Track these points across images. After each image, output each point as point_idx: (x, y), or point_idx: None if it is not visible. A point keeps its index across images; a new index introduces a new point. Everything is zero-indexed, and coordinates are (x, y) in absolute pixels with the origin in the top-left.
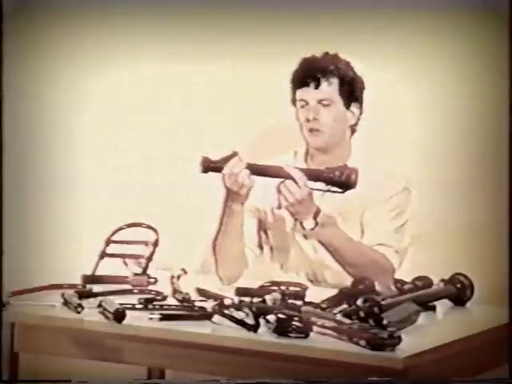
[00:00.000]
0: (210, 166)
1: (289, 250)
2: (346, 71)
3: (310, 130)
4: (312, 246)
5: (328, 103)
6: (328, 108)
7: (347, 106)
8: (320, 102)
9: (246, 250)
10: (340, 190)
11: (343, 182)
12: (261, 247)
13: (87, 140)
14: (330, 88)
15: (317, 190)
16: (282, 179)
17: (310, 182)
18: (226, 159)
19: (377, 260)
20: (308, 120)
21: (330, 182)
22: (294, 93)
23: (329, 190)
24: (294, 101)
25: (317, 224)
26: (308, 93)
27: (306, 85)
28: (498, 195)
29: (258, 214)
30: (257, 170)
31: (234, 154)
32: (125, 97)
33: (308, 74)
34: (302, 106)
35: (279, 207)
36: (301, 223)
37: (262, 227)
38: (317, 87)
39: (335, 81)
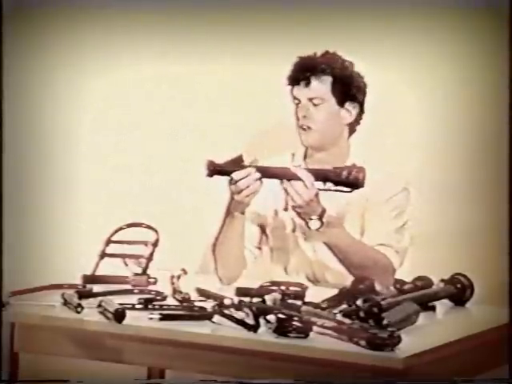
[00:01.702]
0: (215, 170)
1: (289, 251)
2: (341, 69)
3: (301, 128)
4: (312, 247)
5: (318, 102)
6: (319, 107)
7: (341, 105)
8: (310, 100)
9: (245, 251)
10: (348, 190)
11: (351, 181)
12: (260, 248)
13: (87, 140)
14: (321, 86)
15: (324, 190)
16: (287, 180)
17: (317, 182)
18: (232, 162)
19: (379, 260)
20: (298, 118)
21: (337, 182)
22: (291, 91)
23: (336, 190)
24: (292, 99)
25: (322, 224)
26: (300, 91)
27: (298, 83)
28: (498, 195)
29: (257, 216)
30: (263, 172)
31: (240, 157)
32: (125, 97)
33: (299, 73)
34: (296, 104)
35: (286, 208)
36: (306, 223)
37: (262, 229)
38: (307, 85)
39: (328, 79)
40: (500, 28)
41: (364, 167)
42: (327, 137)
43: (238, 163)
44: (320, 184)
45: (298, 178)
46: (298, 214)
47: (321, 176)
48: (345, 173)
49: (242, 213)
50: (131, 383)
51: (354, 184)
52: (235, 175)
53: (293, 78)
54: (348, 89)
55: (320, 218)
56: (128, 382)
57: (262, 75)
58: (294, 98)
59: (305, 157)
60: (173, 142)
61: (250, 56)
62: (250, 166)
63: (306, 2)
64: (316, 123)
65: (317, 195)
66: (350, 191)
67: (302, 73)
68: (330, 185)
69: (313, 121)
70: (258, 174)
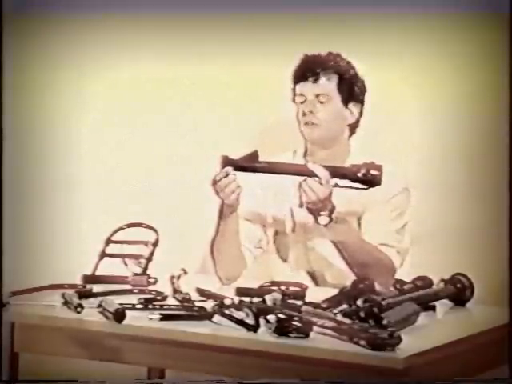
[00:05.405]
0: (230, 166)
1: (289, 251)
2: (347, 69)
3: (306, 124)
4: (313, 244)
5: (325, 99)
6: (325, 103)
7: (345, 104)
8: (317, 96)
9: (244, 250)
10: (364, 187)
11: (369, 179)
12: (260, 248)
13: (87, 140)
14: (328, 84)
15: (340, 186)
16: (303, 177)
17: (333, 179)
18: (247, 158)
19: (381, 260)
20: (304, 114)
21: (355, 179)
22: (293, 88)
23: (352, 187)
24: (294, 97)
25: (331, 220)
26: (306, 87)
27: (305, 79)
28: (498, 195)
29: (257, 216)
30: (278, 169)
31: (255, 153)
32: (125, 97)
33: (308, 69)
34: (301, 102)
35: (301, 205)
36: (316, 219)
37: (262, 228)
38: (315, 81)
39: (335, 77)
40: (500, 28)
41: (382, 165)
42: (330, 134)
43: (253, 159)
44: (336, 181)
45: (314, 175)
46: (309, 209)
47: (338, 173)
48: (363, 170)
49: (233, 212)
50: (131, 383)
51: (371, 182)
52: (216, 176)
53: (300, 74)
54: (352, 89)
55: (330, 214)
56: (128, 382)
57: (262, 75)
58: (299, 94)
59: (305, 155)
60: (173, 142)
61: (249, 56)
62: (263, 163)
63: (306, 3)
64: (320, 119)
65: (330, 192)
66: (366, 189)
67: (311, 69)
68: (346, 182)
69: (318, 117)
70: (233, 172)
